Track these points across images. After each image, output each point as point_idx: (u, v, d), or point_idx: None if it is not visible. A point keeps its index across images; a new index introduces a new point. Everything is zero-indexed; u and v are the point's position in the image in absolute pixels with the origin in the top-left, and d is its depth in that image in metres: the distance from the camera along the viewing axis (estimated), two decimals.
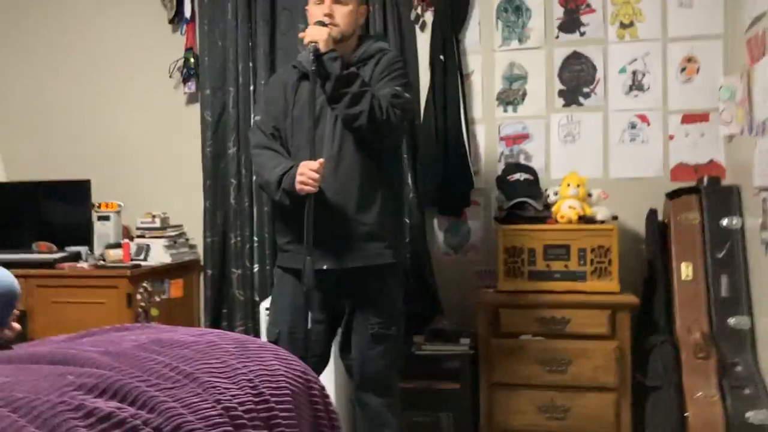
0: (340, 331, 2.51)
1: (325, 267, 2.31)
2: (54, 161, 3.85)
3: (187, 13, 3.65)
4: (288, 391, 1.47)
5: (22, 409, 0.99)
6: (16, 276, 1.47)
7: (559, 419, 2.85)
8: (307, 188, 2.21)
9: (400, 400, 2.53)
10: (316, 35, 2.26)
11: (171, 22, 3.71)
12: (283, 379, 1.49)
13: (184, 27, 3.68)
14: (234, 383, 1.35)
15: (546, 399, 2.86)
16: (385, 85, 2.33)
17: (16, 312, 1.52)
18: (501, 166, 3.33)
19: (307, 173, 2.21)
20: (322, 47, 2.24)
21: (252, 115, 3.45)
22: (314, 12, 2.36)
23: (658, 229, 3.01)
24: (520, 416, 2.88)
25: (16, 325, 1.56)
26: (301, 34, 2.36)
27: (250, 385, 1.39)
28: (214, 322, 3.48)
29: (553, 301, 2.90)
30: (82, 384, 1.11)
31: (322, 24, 2.31)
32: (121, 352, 1.31)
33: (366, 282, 2.37)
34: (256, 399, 1.37)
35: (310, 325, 2.30)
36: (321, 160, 2.23)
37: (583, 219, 2.94)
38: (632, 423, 2.82)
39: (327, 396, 1.67)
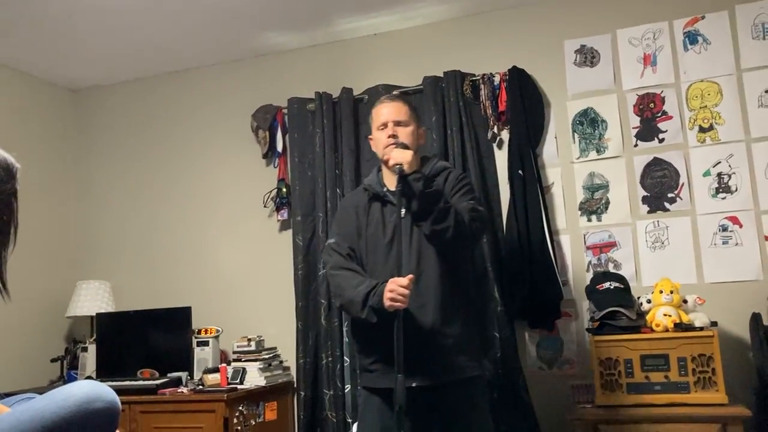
0: None
1: (414, 384, 2.27)
2: (157, 290, 4.10)
3: (279, 148, 3.93)
4: None
5: None
6: (123, 403, 1.54)
7: None
8: (397, 304, 2.22)
9: None
10: (400, 157, 2.38)
11: (265, 156, 3.99)
12: None
13: (277, 160, 3.94)
14: None
15: None
16: (460, 200, 2.42)
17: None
18: (589, 276, 3.29)
19: (397, 290, 2.23)
20: (407, 168, 2.35)
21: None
22: (380, 137, 2.53)
23: (764, 335, 2.84)
24: None
25: None
26: (385, 157, 2.48)
27: None
28: None
29: (656, 415, 2.74)
30: None
31: (405, 146, 2.44)
32: None
33: (455, 398, 2.33)
34: None
35: None
36: (410, 276, 2.26)
37: (680, 326, 2.83)
38: None
39: None
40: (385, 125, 2.52)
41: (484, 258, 3.32)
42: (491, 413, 3.12)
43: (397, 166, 2.36)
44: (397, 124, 2.51)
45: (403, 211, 2.36)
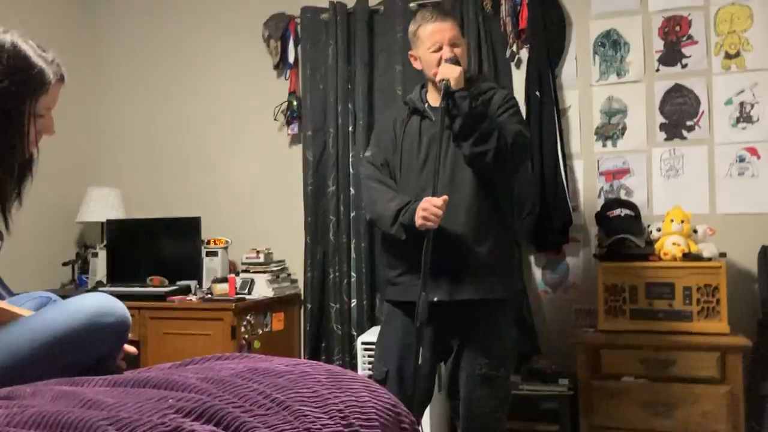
0: (444, 371, 2.49)
1: (436, 299, 2.27)
2: (167, 199, 4.11)
3: (291, 59, 3.84)
4: (377, 423, 1.48)
5: (126, 428, 1.06)
6: (132, 308, 1.57)
7: None
8: (429, 224, 2.20)
9: None
10: (448, 73, 2.28)
11: (276, 67, 3.91)
12: (373, 411, 1.51)
13: (288, 72, 3.86)
14: (324, 412, 1.38)
15: None
16: (506, 121, 2.33)
17: (126, 348, 1.61)
18: (600, 202, 3.26)
19: (431, 209, 2.19)
20: (453, 85, 2.26)
21: (350, 155, 3.58)
22: (433, 60, 2.38)
23: None
24: None
25: (132, 349, 1.65)
26: (433, 71, 2.38)
27: (340, 415, 1.41)
28: (313, 355, 3.56)
29: (657, 342, 2.78)
30: (181, 407, 1.17)
31: (455, 62, 2.34)
32: (219, 378, 1.37)
33: (476, 318, 2.32)
34: (346, 430, 1.40)
35: (420, 361, 2.26)
36: (445, 197, 2.22)
37: (689, 256, 2.83)
38: None
39: (417, 431, 1.67)
40: (440, 47, 2.38)
41: None
42: None
43: (443, 82, 2.27)
44: (453, 44, 2.38)
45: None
